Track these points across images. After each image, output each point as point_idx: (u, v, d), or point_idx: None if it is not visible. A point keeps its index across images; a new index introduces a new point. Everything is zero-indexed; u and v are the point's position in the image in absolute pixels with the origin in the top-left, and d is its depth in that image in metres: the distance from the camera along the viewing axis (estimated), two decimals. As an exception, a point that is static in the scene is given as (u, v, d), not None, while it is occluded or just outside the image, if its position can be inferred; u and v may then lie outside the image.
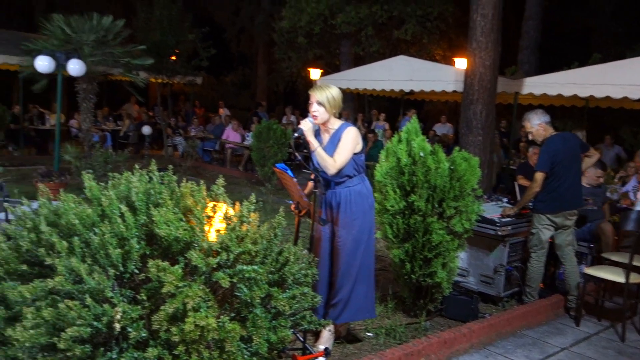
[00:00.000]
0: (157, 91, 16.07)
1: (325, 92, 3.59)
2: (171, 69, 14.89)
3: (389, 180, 4.29)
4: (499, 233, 4.69)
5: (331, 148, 3.62)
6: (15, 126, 13.76)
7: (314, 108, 3.59)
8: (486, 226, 4.75)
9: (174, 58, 14.86)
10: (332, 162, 3.52)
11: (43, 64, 8.29)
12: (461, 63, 10.31)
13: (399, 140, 4.38)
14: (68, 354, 2.19)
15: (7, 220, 3.10)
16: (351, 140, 3.58)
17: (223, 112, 17.85)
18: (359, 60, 16.29)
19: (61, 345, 2.16)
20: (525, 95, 10.40)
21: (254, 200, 2.84)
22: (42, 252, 2.43)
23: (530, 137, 5.09)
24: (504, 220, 4.79)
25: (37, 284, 2.32)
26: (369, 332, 4.13)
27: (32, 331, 2.20)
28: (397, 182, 4.26)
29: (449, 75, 10.86)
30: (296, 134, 3.60)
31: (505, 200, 5.60)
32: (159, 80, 15.28)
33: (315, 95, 3.59)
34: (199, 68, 15.98)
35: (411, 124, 4.44)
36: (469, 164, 4.24)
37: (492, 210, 5.06)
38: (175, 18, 14.48)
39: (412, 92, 13.32)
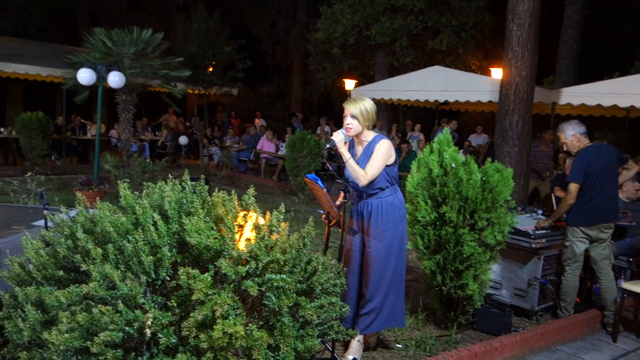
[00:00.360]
0: (194, 102, 16.37)
1: (359, 105, 3.61)
2: (208, 80, 15.17)
3: (421, 191, 4.27)
4: (533, 245, 4.60)
5: (365, 160, 3.64)
6: (58, 136, 14.20)
7: (348, 121, 3.62)
8: (520, 238, 4.68)
9: (210, 69, 15.13)
10: (363, 174, 3.54)
11: (85, 76, 8.57)
12: (498, 73, 10.20)
13: (431, 151, 4.36)
14: (100, 357, 2.25)
15: (47, 227, 3.21)
16: (384, 152, 3.60)
17: (259, 122, 18.07)
18: (393, 71, 16.27)
19: (94, 349, 2.23)
20: (563, 105, 10.21)
21: (284, 210, 2.87)
22: (78, 258, 2.51)
23: (565, 148, 5.01)
24: (538, 232, 4.70)
25: (72, 289, 2.40)
26: (398, 343, 4.11)
27: (66, 335, 2.27)
28: (429, 193, 4.24)
29: (484, 85, 10.76)
30: (328, 145, 3.63)
31: (540, 212, 5.49)
32: (196, 92, 15.59)
33: (349, 108, 3.62)
34: (235, 79, 16.25)
35: (443, 134, 4.42)
36: (502, 175, 4.19)
37: (527, 222, 4.98)
38: (212, 30, 14.77)
39: (447, 103, 13.24)
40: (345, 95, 16.78)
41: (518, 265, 4.85)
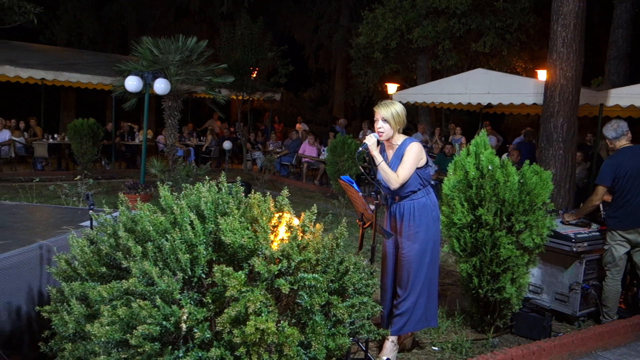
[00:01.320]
0: (238, 108, 16.67)
1: (390, 109, 3.65)
2: (251, 86, 15.42)
3: (457, 193, 4.26)
4: (575, 249, 4.51)
5: (396, 163, 3.68)
6: (108, 142, 14.72)
7: (380, 125, 3.66)
8: (561, 242, 4.59)
9: (254, 75, 15.38)
10: (395, 177, 3.58)
11: (132, 83, 8.87)
12: (543, 75, 9.99)
13: (467, 154, 4.34)
14: (139, 349, 2.36)
15: (92, 227, 3.37)
16: (414, 155, 3.62)
17: (301, 127, 18.24)
18: (436, 74, 16.14)
19: (133, 342, 2.34)
20: (611, 107, 9.90)
21: (316, 211, 2.93)
22: (119, 255, 2.64)
23: (607, 149, 4.93)
24: (580, 236, 4.60)
25: (114, 285, 2.52)
26: (434, 346, 4.10)
27: (107, 327, 2.39)
28: (465, 195, 4.22)
29: (528, 87, 10.56)
30: (361, 149, 3.67)
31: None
32: (240, 97, 15.87)
33: (380, 112, 3.66)
34: (277, 85, 16.45)
35: (480, 137, 4.39)
36: (540, 177, 4.13)
37: (568, 225, 4.88)
38: (255, 37, 15.02)
39: (490, 106, 13.04)
40: (387, 99, 16.77)
41: (559, 270, 4.76)
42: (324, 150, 13.90)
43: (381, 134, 3.66)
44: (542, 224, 4.09)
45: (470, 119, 18.46)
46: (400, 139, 3.73)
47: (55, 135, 14.46)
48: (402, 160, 3.63)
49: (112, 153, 14.89)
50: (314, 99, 26.54)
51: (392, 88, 15.20)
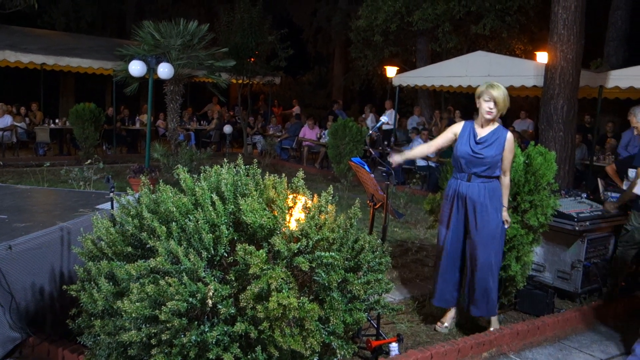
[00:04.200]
0: (238, 91, 16.68)
1: (502, 91, 3.81)
2: (251, 70, 15.42)
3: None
4: (577, 228, 4.63)
5: (494, 148, 3.82)
6: (108, 127, 14.74)
7: (491, 106, 3.80)
8: (563, 221, 4.70)
9: (253, 60, 15.37)
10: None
11: (136, 68, 8.90)
12: (543, 57, 10.05)
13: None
14: (168, 325, 2.48)
15: (112, 209, 3.47)
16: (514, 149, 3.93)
17: (296, 109, 18.32)
18: (435, 57, 16.14)
19: (162, 317, 2.45)
20: (611, 88, 9.98)
21: (332, 192, 3.03)
22: (144, 236, 2.74)
23: (635, 133, 5.06)
24: (582, 215, 4.72)
25: (141, 264, 2.62)
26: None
27: (137, 304, 2.50)
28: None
29: (528, 69, 10.63)
30: (371, 132, 3.76)
31: (584, 195, 5.48)
32: (239, 81, 15.87)
33: (493, 92, 3.79)
34: (277, 68, 16.44)
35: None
36: (545, 158, 4.23)
37: (571, 205, 4.99)
38: (255, 20, 14.99)
39: (490, 88, 13.10)
40: (386, 82, 16.78)
41: (561, 248, 4.88)
42: (324, 134, 13.98)
43: (491, 113, 3.81)
44: (547, 203, 4.20)
45: (469, 102, 18.47)
46: (496, 123, 3.92)
47: (57, 120, 14.47)
48: (509, 156, 3.87)
49: (114, 138, 14.92)
50: (313, 82, 26.51)
51: (391, 71, 15.23)
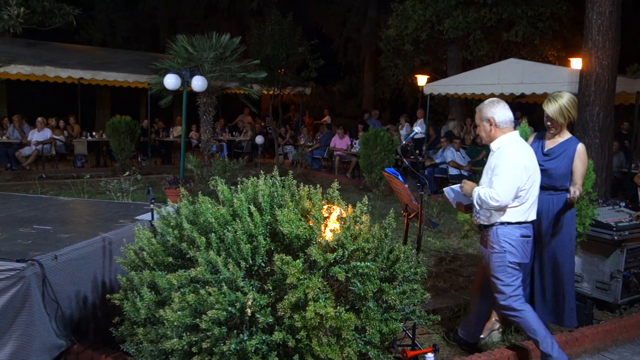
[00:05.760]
0: (269, 102, 16.86)
1: (557, 104, 3.77)
2: (282, 81, 15.57)
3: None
4: (616, 238, 4.54)
5: (560, 161, 3.80)
6: (143, 138, 15.07)
7: (548, 123, 3.83)
8: (602, 231, 4.62)
9: (282, 71, 15.52)
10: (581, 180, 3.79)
11: (171, 81, 9.10)
12: (577, 63, 9.91)
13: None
14: (208, 333, 2.53)
15: (152, 219, 3.56)
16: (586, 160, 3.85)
17: (327, 118, 18.39)
18: (466, 65, 16.04)
19: (202, 326, 2.51)
20: (648, 94, 9.78)
21: (366, 202, 3.06)
22: (184, 246, 2.81)
23: None
24: (621, 224, 4.63)
25: (181, 273, 2.70)
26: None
27: (179, 313, 2.57)
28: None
29: (562, 76, 10.48)
30: (404, 142, 3.78)
31: (622, 204, 5.38)
32: (270, 92, 16.04)
33: (546, 110, 3.82)
34: (308, 79, 16.56)
35: (521, 127, 4.44)
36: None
37: (609, 214, 4.90)
38: (286, 32, 15.15)
39: (523, 96, 12.95)
40: (417, 91, 16.73)
41: (600, 258, 4.79)
42: (355, 144, 14.00)
43: (550, 128, 3.81)
44: (585, 213, 4.14)
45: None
46: (566, 134, 3.90)
47: (94, 133, 14.86)
48: (581, 168, 3.79)
49: (149, 149, 15.23)
50: (343, 92, 26.56)
51: (422, 80, 15.20)
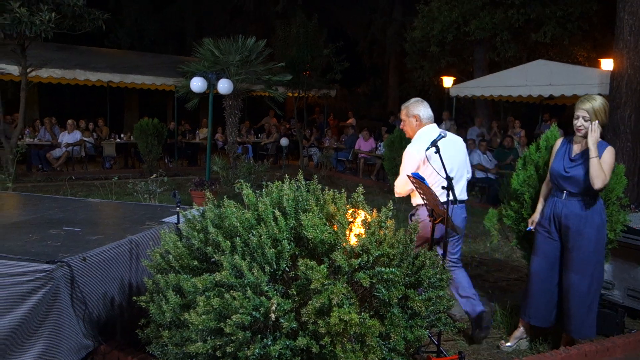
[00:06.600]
0: (294, 104, 16.92)
1: (591, 104, 3.66)
2: (307, 83, 15.60)
3: (527, 188, 4.25)
4: (648, 244, 4.43)
5: (587, 166, 3.66)
6: (170, 140, 15.25)
7: (578, 123, 3.70)
8: (634, 237, 4.51)
9: (308, 73, 15.55)
10: (604, 177, 3.57)
11: (197, 84, 9.20)
12: (608, 64, 9.71)
13: (537, 149, 4.33)
14: (232, 337, 2.54)
15: (178, 222, 3.59)
16: (613, 161, 3.69)
17: (352, 121, 18.35)
18: (493, 66, 15.86)
19: (227, 330, 2.52)
20: (682, 96, 9.50)
21: (392, 207, 3.04)
22: (209, 250, 2.83)
23: None
24: (654, 231, 4.51)
25: (206, 277, 2.71)
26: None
27: (203, 316, 2.58)
28: (535, 190, 4.21)
29: (592, 78, 10.29)
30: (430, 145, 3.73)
31: (656, 210, 5.25)
32: (295, 94, 16.09)
33: (580, 108, 3.68)
34: (333, 81, 16.58)
35: (551, 131, 4.37)
36: (614, 171, 4.08)
37: (641, 220, 4.78)
38: (311, 34, 15.18)
39: (551, 97, 12.75)
40: (442, 93, 16.60)
41: (632, 265, 4.67)
42: (380, 146, 13.95)
43: (580, 130, 3.70)
44: (616, 219, 4.05)
45: (528, 111, 18.02)
46: None
47: (122, 135, 15.09)
48: (606, 163, 3.62)
49: (175, 151, 15.40)
50: (368, 94, 26.53)
51: (448, 81, 15.08)
